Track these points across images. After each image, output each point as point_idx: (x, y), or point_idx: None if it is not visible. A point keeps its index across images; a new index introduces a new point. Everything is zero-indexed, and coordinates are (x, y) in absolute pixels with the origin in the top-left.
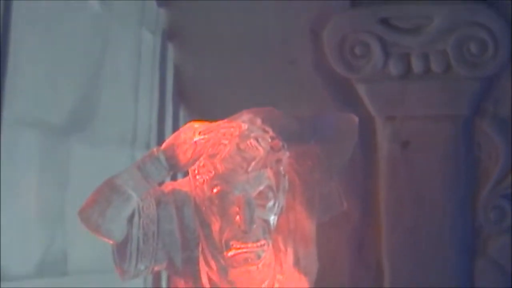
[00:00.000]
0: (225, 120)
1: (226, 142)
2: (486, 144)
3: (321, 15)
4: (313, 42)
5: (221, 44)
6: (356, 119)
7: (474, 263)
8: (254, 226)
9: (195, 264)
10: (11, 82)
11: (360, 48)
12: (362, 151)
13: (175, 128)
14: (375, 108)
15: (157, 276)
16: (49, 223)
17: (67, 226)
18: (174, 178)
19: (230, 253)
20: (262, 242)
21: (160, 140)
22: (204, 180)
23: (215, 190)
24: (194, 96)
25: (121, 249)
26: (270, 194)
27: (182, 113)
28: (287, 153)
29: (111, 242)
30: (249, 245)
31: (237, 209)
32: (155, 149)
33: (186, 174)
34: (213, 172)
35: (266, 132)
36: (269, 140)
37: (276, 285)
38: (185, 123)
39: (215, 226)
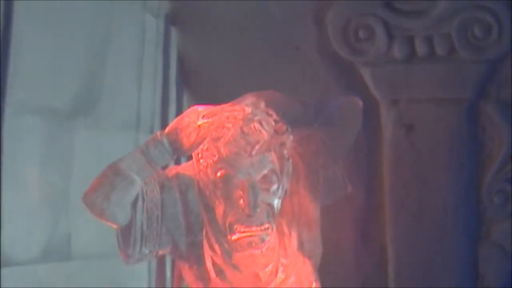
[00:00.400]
0: (229, 104)
1: (230, 125)
2: (491, 128)
3: None
4: (317, 26)
5: (224, 28)
6: (361, 102)
7: (478, 247)
8: (258, 209)
9: (199, 248)
10: (14, 68)
11: (364, 32)
12: (366, 134)
13: (179, 112)
14: (379, 91)
15: (161, 260)
16: (53, 208)
17: (71, 211)
18: (177, 162)
19: (234, 237)
20: (266, 225)
21: (164, 124)
22: (207, 164)
23: (219, 174)
24: (197, 80)
25: (125, 234)
26: (274, 178)
27: (185, 97)
28: (291, 137)
29: (115, 226)
30: (253, 228)
31: (241, 192)
32: (158, 133)
33: (189, 158)
34: (216, 156)
35: (270, 115)
36: (273, 123)
37: (280, 268)
38: (189, 107)
39: (219, 210)
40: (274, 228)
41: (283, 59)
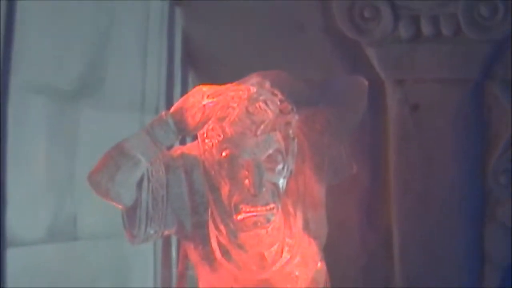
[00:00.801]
0: (234, 84)
1: (235, 105)
2: (496, 108)
3: None
4: (322, 5)
5: (229, 8)
6: (366, 82)
7: (484, 226)
8: (263, 189)
9: (205, 228)
10: (19, 49)
11: (370, 11)
12: (372, 114)
13: (184, 92)
14: (385, 71)
15: (166, 241)
16: (58, 188)
17: (76, 191)
18: (183, 142)
19: (240, 217)
20: (272, 205)
21: (169, 104)
22: (213, 144)
23: (224, 154)
24: (202, 60)
25: (130, 214)
26: (279, 158)
27: (190, 78)
28: (296, 116)
29: (120, 206)
30: (259, 208)
31: (246, 172)
32: (163, 113)
33: (195, 138)
34: (222, 136)
35: (275, 95)
36: (278, 103)
37: (286, 248)
38: (194, 87)
39: (224, 189)
40: (280, 208)
41: (288, 39)
